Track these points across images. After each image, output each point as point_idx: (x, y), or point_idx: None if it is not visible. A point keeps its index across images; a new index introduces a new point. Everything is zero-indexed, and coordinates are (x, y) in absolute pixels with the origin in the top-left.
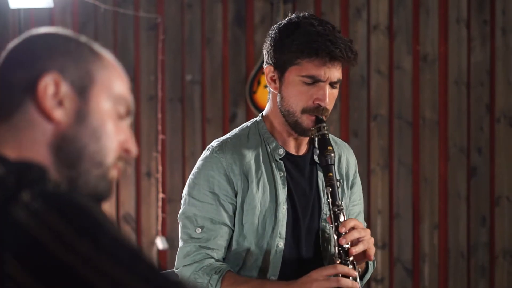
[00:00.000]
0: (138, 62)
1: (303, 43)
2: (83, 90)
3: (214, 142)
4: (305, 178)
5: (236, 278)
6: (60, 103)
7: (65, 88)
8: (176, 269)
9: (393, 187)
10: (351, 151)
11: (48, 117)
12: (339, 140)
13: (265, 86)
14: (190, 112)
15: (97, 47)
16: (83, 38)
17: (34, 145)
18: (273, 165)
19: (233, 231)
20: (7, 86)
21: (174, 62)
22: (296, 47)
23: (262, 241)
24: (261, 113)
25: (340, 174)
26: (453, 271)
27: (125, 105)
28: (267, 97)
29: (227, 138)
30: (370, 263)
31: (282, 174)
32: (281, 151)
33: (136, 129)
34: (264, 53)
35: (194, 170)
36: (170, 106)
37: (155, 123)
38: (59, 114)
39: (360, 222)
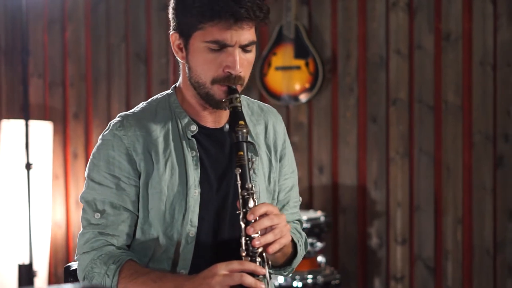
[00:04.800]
0: (149, 44)
1: (204, 4)
2: None
3: (117, 118)
4: (225, 155)
5: (136, 268)
6: None
7: None
8: (76, 256)
9: (414, 177)
10: (279, 118)
11: None
12: (266, 106)
13: (276, 68)
14: None
15: None
16: None
17: None
18: (184, 143)
19: (137, 216)
20: None
21: None
22: (197, 9)
23: (171, 230)
24: (173, 85)
25: (267, 145)
26: (478, 270)
27: None
28: (276, 80)
29: (130, 112)
30: (301, 246)
31: (194, 153)
32: (194, 128)
33: None
34: (170, 18)
35: (94, 149)
36: None
37: None
38: None
39: (295, 198)
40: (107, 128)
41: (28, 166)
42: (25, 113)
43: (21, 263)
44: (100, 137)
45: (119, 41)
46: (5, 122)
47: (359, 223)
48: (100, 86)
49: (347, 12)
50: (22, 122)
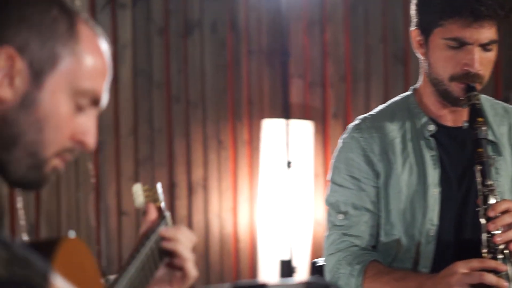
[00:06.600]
0: (407, 44)
1: (445, 1)
2: (40, 73)
3: (356, 120)
4: (465, 153)
5: (380, 268)
6: (10, 81)
7: (20, 65)
8: (323, 258)
9: None
10: None
11: None
12: (510, 108)
13: None
14: None
15: (86, 28)
16: (72, 11)
17: None
18: (422, 143)
19: (378, 216)
20: None
21: None
22: (438, 6)
23: (412, 229)
24: (412, 87)
25: (511, 145)
26: None
27: (91, 98)
28: None
29: (368, 115)
30: None
31: (433, 153)
32: (432, 127)
33: None
34: (412, 15)
35: (335, 152)
36: None
37: None
38: (4, 91)
39: None
40: (346, 131)
41: (289, 164)
42: (286, 113)
43: (282, 259)
44: (340, 140)
45: (377, 41)
46: (267, 121)
47: None
48: (359, 86)
49: None
50: (283, 121)
